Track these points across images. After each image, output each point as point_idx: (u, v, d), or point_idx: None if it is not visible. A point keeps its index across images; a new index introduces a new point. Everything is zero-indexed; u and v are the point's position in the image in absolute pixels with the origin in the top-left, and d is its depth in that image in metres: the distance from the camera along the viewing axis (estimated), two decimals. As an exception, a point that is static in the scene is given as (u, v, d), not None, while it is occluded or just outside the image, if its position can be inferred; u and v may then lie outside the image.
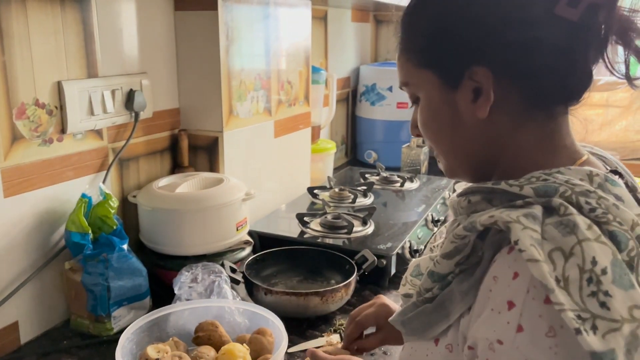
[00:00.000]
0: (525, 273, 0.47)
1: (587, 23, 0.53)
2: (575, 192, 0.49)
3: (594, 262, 0.44)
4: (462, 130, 0.59)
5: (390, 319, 0.66)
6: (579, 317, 0.43)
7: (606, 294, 0.43)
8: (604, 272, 0.44)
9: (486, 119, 0.57)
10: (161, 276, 1.10)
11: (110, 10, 1.05)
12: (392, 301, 0.89)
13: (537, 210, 0.48)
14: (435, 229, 1.47)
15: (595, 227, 0.46)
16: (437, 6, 0.59)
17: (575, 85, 0.56)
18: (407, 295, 0.64)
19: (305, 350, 0.93)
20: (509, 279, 0.48)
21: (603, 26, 0.53)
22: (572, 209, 0.47)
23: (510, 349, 0.46)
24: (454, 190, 1.73)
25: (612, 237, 0.46)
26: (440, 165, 0.66)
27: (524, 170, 0.54)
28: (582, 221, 0.46)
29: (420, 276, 0.61)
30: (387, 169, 1.84)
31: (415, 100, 0.63)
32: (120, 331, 0.97)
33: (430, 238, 0.78)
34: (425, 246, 1.28)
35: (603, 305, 0.43)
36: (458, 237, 0.54)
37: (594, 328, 0.42)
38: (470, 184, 0.59)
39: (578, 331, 0.42)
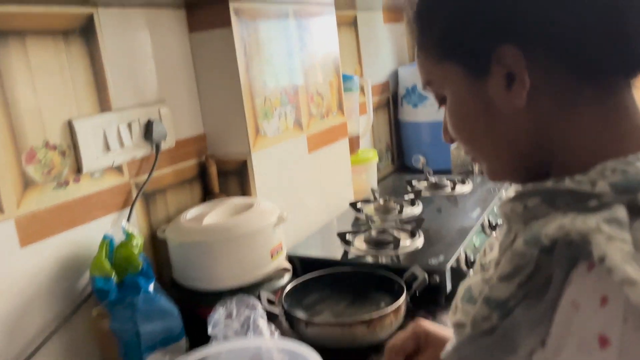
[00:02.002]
0: (617, 297, 0.35)
1: None
2: None
3: None
4: (500, 125, 0.48)
5: (442, 354, 0.55)
6: None
7: None
8: None
9: (527, 107, 0.46)
10: (199, 314, 1.03)
11: (120, 39, 1.01)
12: (436, 325, 0.78)
13: (621, 212, 0.37)
14: (494, 233, 1.34)
15: None
16: None
17: (630, 48, 0.44)
18: (459, 325, 0.53)
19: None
20: (595, 305, 0.37)
21: None
22: None
23: None
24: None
25: None
26: (483, 170, 0.56)
27: (588, 162, 0.43)
28: None
29: (472, 302, 0.50)
30: (438, 172, 1.72)
31: (441, 101, 0.53)
32: (156, 378, 0.92)
33: (480, 251, 0.66)
34: (473, 261, 1.15)
35: None
36: (518, 254, 0.43)
37: None
38: (524, 185, 0.48)
39: None
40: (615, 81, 0.45)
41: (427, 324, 0.78)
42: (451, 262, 1.09)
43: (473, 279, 0.53)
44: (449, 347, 0.57)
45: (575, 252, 0.40)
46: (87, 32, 0.95)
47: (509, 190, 0.58)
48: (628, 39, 0.43)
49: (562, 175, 0.44)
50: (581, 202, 0.40)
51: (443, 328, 0.77)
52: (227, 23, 1.11)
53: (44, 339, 0.87)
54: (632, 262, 0.34)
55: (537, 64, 0.45)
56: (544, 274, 0.43)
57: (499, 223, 1.37)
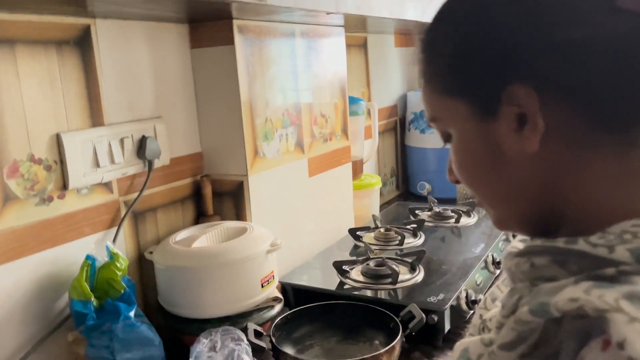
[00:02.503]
0: None
1: None
2: None
3: None
4: (508, 171, 0.44)
5: None
6: None
7: None
8: None
9: (538, 153, 0.41)
10: (183, 341, 0.98)
11: (117, 52, 0.97)
12: None
13: None
14: (498, 271, 1.28)
15: None
16: (457, 18, 0.45)
17: None
18: None
19: None
20: None
21: None
22: None
23: None
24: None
25: None
26: (489, 217, 0.51)
27: (603, 220, 0.38)
28: None
29: None
30: (443, 201, 1.67)
31: (447, 139, 0.49)
32: (132, 412, 0.87)
33: (481, 302, 0.61)
34: (474, 300, 1.09)
35: None
36: (522, 322, 0.38)
37: None
38: (533, 240, 0.43)
39: None
40: (635, 133, 0.40)
41: None
42: (451, 301, 1.03)
43: (471, 339, 0.48)
44: None
45: (586, 326, 0.35)
46: (82, 43, 0.91)
47: (515, 239, 0.53)
48: None
49: (575, 232, 0.39)
50: (596, 269, 0.36)
51: None
52: (230, 40, 1.07)
53: (15, 364, 0.83)
54: None
55: (550, 107, 0.40)
56: (552, 345, 0.38)
57: (503, 260, 1.32)
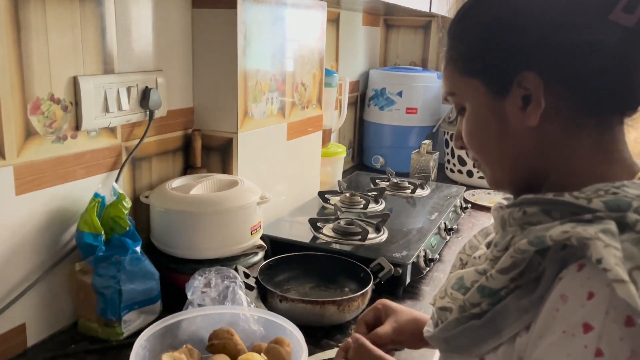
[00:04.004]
0: (603, 293, 0.44)
1: None
2: None
3: None
4: (510, 140, 0.57)
5: (427, 335, 0.63)
6: None
7: None
8: None
9: (536, 128, 0.54)
10: (173, 279, 1.07)
11: (128, 5, 1.03)
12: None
13: (613, 225, 0.46)
14: (448, 237, 1.45)
15: None
16: (485, 13, 0.57)
17: (630, 93, 0.53)
18: (444, 309, 0.61)
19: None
20: (582, 299, 0.45)
21: None
22: None
23: None
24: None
25: None
26: (485, 177, 0.64)
27: (579, 182, 0.52)
28: None
29: (463, 290, 0.58)
30: (395, 174, 1.82)
31: (460, 111, 0.61)
32: (130, 336, 0.95)
33: (461, 248, 0.74)
34: (431, 258, 1.25)
35: None
36: (520, 251, 0.51)
37: None
38: (525, 195, 0.56)
39: None
40: (613, 118, 0.54)
41: (386, 301, 0.86)
42: (413, 258, 1.18)
43: (465, 270, 0.61)
44: (430, 328, 0.65)
45: (566, 255, 0.49)
46: (101, -7, 0.96)
47: (499, 197, 0.66)
48: (632, 86, 0.53)
49: (554, 191, 0.53)
50: (576, 215, 0.49)
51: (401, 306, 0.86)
52: (233, 4, 1.14)
53: (25, 288, 0.89)
54: (622, 265, 0.43)
55: (552, 93, 0.53)
56: (536, 271, 0.51)
57: (454, 227, 1.48)
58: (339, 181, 1.65)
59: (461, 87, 0.59)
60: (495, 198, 1.82)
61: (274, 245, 1.25)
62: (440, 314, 0.64)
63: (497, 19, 0.55)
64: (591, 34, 0.51)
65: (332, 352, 0.94)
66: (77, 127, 0.95)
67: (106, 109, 0.99)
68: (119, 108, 1.02)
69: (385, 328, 0.82)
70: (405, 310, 0.85)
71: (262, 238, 1.20)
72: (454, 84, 0.60)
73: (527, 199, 0.54)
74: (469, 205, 1.70)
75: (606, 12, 0.51)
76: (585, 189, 0.51)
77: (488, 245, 0.64)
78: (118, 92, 1.01)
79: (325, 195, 1.54)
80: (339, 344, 0.97)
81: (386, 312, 0.85)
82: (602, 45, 0.51)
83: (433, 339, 0.61)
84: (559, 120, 0.54)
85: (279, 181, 1.42)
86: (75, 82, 0.93)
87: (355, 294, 1.02)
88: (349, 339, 0.78)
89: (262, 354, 0.83)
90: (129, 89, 1.04)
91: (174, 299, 1.01)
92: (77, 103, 0.94)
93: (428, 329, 0.65)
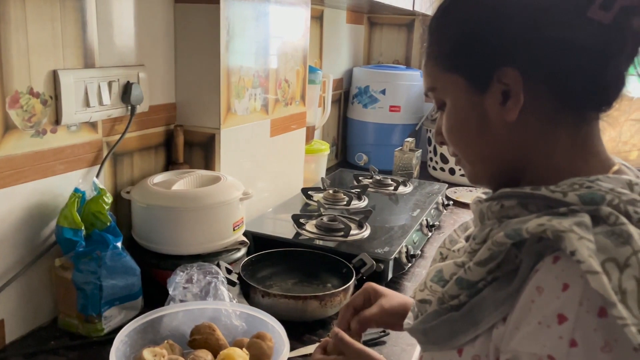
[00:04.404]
0: (577, 284, 0.45)
1: (619, 27, 0.51)
2: (622, 200, 0.48)
3: None
4: (490, 135, 0.57)
5: (407, 327, 0.63)
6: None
7: None
8: None
9: (515, 123, 0.55)
10: (154, 275, 1.07)
11: (109, -1, 1.02)
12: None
13: (586, 218, 0.47)
14: (430, 234, 1.46)
15: None
16: (465, 9, 0.57)
17: (606, 89, 0.54)
18: (423, 301, 0.61)
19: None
20: (557, 290, 0.46)
21: (637, 31, 0.52)
22: (623, 219, 0.46)
23: None
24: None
25: None
26: (465, 172, 0.65)
27: (556, 177, 0.53)
28: (635, 231, 0.45)
29: (442, 282, 0.59)
30: (378, 172, 1.83)
31: (441, 106, 0.62)
32: (110, 332, 0.95)
33: (442, 242, 0.75)
34: (413, 254, 1.26)
35: None
36: (497, 244, 0.52)
37: None
38: (503, 189, 0.56)
39: None
40: (589, 114, 0.55)
41: (375, 285, 0.87)
42: (395, 254, 1.19)
43: (444, 263, 0.61)
44: (410, 321, 0.66)
45: (542, 248, 0.49)
46: (81, -14, 0.95)
47: (478, 191, 0.67)
48: (607, 84, 0.54)
49: (532, 185, 0.54)
50: (552, 208, 0.50)
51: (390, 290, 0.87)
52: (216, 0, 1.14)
53: (4, 284, 0.88)
54: (595, 257, 0.44)
55: (531, 88, 0.54)
56: (513, 263, 0.52)
57: (435, 224, 1.50)
58: (322, 178, 1.66)
59: (441, 83, 0.60)
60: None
61: (257, 241, 1.25)
62: (420, 307, 0.64)
63: (478, 15, 0.56)
64: (570, 31, 0.52)
65: (314, 347, 0.95)
66: (57, 121, 0.94)
67: (87, 104, 0.98)
68: (100, 103, 1.01)
69: (372, 310, 0.82)
70: (394, 294, 0.85)
71: (244, 234, 1.20)
72: (434, 80, 0.60)
73: (505, 192, 0.55)
74: (451, 203, 1.71)
75: (584, 9, 0.52)
76: (561, 183, 0.52)
77: (467, 239, 0.65)
78: (99, 86, 1.00)
79: (309, 192, 1.54)
80: (321, 339, 0.98)
81: (375, 295, 0.86)
82: (579, 42, 0.52)
83: (412, 331, 0.62)
84: (537, 116, 0.55)
85: (262, 177, 1.42)
86: (55, 76, 0.92)
87: (338, 289, 1.02)
88: (328, 337, 0.79)
89: (243, 349, 0.83)
90: (110, 84, 1.03)
91: (155, 295, 1.01)
92: (57, 97, 0.93)
93: (408, 322, 0.66)
